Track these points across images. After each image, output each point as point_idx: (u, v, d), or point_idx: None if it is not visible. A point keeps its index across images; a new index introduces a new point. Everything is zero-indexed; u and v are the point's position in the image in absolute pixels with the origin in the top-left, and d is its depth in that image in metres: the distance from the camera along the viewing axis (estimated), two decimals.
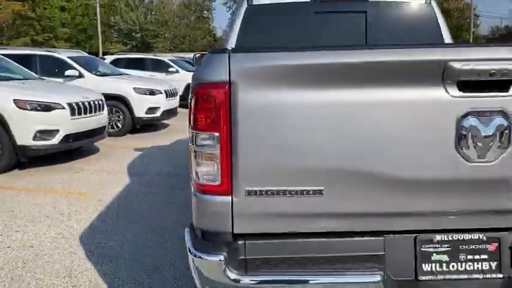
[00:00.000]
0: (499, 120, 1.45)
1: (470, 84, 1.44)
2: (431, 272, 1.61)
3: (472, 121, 1.45)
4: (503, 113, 1.45)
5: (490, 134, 1.45)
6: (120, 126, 8.76)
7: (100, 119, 6.63)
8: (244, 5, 3.29)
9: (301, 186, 1.49)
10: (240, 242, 1.56)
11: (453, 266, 1.62)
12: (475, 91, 1.44)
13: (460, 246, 1.62)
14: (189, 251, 1.56)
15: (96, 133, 6.57)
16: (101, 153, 7.12)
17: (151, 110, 8.88)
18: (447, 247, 1.62)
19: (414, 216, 1.57)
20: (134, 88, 8.81)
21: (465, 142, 1.46)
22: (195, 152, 1.55)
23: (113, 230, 3.77)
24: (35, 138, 5.59)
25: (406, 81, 1.45)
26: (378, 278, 1.48)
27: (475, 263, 1.63)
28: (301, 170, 1.49)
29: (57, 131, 5.73)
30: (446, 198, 1.53)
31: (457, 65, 1.41)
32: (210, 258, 1.49)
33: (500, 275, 1.62)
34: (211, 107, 1.47)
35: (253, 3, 3.30)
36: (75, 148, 6.68)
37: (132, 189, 5.04)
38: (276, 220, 1.54)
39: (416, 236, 1.61)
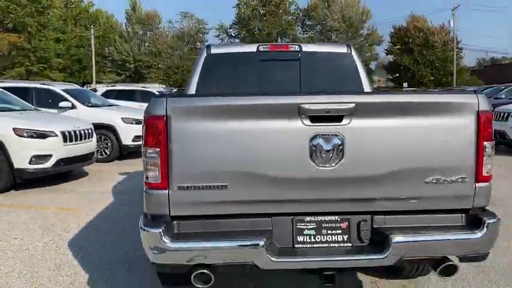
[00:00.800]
0: (335, 140, 2.27)
1: (317, 117, 2.27)
2: (303, 242, 2.40)
3: (318, 140, 2.27)
4: (338, 136, 2.28)
5: (330, 149, 2.27)
6: (108, 152, 9.56)
7: (89, 145, 7.43)
8: (204, 54, 4.16)
9: (213, 183, 2.29)
10: (174, 222, 2.35)
11: (318, 238, 2.41)
12: (320, 121, 2.27)
13: (322, 225, 2.42)
14: (141, 228, 2.35)
15: (85, 158, 7.35)
16: (90, 176, 7.88)
17: (138, 138, 9.42)
18: (314, 225, 2.41)
19: (290, 204, 2.37)
20: (122, 118, 9.65)
21: (315, 154, 2.27)
22: (145, 161, 2.36)
23: (95, 237, 4.52)
24: (30, 162, 6.37)
25: (278, 115, 2.28)
26: (262, 242, 2.26)
27: (333, 236, 2.42)
28: (213, 172, 2.30)
29: (51, 155, 6.52)
30: (308, 191, 2.34)
31: (306, 106, 2.24)
32: (153, 231, 2.27)
33: (350, 244, 2.41)
34: (154, 131, 2.29)
35: (211, 52, 4.17)
36: (67, 172, 7.45)
37: (115, 206, 5.80)
38: (197, 206, 2.34)
39: (293, 218, 2.41)
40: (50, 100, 9.36)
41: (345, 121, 2.28)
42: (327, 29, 63.38)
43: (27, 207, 5.67)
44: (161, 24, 69.34)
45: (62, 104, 9.22)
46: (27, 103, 8.06)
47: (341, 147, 2.29)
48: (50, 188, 6.80)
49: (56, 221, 5.08)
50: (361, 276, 3.46)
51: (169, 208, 2.33)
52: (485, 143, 2.37)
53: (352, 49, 4.23)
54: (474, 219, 2.43)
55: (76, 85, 13.63)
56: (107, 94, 14.53)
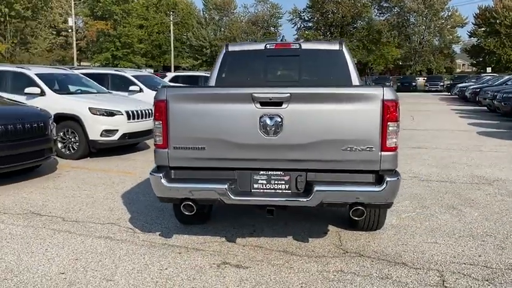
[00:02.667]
0: (277, 119, 3.31)
1: (264, 102, 3.33)
2: (257, 188, 3.49)
3: (265, 118, 3.32)
4: (278, 116, 3.33)
5: (273, 124, 3.32)
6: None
7: (149, 123, 8.91)
8: (223, 51, 5.30)
9: (195, 145, 3.45)
10: (172, 170, 3.55)
11: (268, 186, 3.48)
12: (266, 106, 3.33)
13: (271, 177, 3.48)
14: (150, 173, 3.58)
15: (146, 133, 8.86)
16: (151, 149, 9.42)
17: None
18: (265, 177, 3.48)
19: (248, 161, 3.46)
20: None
21: (263, 128, 3.34)
22: (154, 130, 3.56)
23: (143, 191, 5.89)
24: (101, 135, 7.97)
25: (239, 101, 3.36)
26: (226, 185, 3.37)
27: (278, 185, 3.48)
28: (195, 138, 3.44)
29: (117, 130, 8.09)
30: (260, 153, 3.41)
31: (256, 95, 3.31)
32: (156, 175, 3.49)
33: (289, 191, 3.46)
34: (159, 110, 3.48)
35: (229, 50, 5.29)
36: (132, 144, 9.03)
37: None
38: (186, 160, 3.51)
39: (251, 172, 3.50)
40: (122, 84, 11.06)
41: (284, 105, 3.32)
42: (405, 11, 61.50)
43: (97, 170, 7.23)
44: (236, 9, 71.00)
45: (132, 88, 10.87)
46: (102, 87, 9.75)
47: (280, 123, 3.33)
48: (117, 157, 8.39)
49: (117, 180, 6.55)
50: (329, 227, 4.46)
51: (168, 161, 3.53)
52: (388, 123, 3.29)
53: (344, 46, 5.11)
54: (380, 177, 3.37)
55: (145, 71, 15.49)
56: (176, 79, 16.26)
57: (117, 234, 4.29)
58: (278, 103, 3.33)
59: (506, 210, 5.02)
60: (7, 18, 45.25)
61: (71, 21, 44.24)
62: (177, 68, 59.06)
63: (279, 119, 3.33)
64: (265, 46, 5.18)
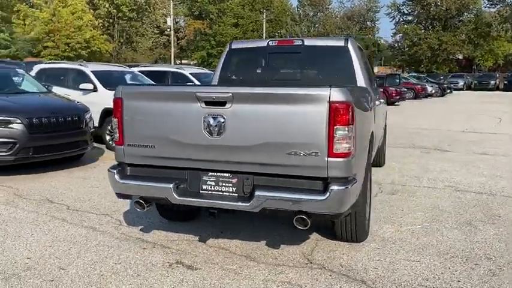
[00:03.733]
0: (220, 119, 3.20)
1: (209, 102, 3.23)
2: (205, 190, 3.41)
3: (209, 118, 3.23)
4: (222, 116, 3.20)
5: (216, 124, 3.21)
6: None
7: None
8: (227, 48, 5.24)
9: (146, 143, 3.46)
10: (127, 167, 3.61)
11: (216, 188, 3.38)
12: (211, 105, 3.22)
13: (220, 179, 3.38)
14: (108, 169, 3.67)
15: None
16: None
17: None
18: (214, 179, 3.39)
19: (197, 162, 3.39)
20: None
21: (207, 128, 3.24)
22: (113, 127, 3.64)
23: None
24: None
25: (186, 100, 3.30)
26: (171, 185, 3.34)
27: (226, 187, 3.37)
28: (146, 136, 3.46)
29: None
30: (206, 153, 3.32)
31: (199, 94, 3.22)
32: (112, 171, 3.57)
33: (236, 194, 3.33)
34: (116, 108, 3.55)
35: (232, 47, 5.22)
36: None
37: None
38: (139, 158, 3.54)
39: (200, 173, 3.43)
40: (179, 81, 11.50)
41: (227, 105, 3.20)
42: None
43: None
44: (331, 5, 69.87)
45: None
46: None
47: (224, 124, 3.22)
48: None
49: None
50: (312, 235, 4.21)
51: (124, 157, 3.60)
52: (336, 126, 3.02)
53: (350, 42, 4.78)
54: (327, 185, 3.10)
55: (205, 69, 15.94)
56: None
57: (103, 225, 4.47)
58: (222, 103, 3.21)
59: None
60: (115, 20, 49.25)
61: (169, 21, 46.86)
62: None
63: (222, 120, 3.22)
64: (268, 43, 5.03)
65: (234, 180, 3.35)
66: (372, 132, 4.57)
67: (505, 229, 4.43)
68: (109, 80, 9.00)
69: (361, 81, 4.67)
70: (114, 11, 48.24)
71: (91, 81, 8.70)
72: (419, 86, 28.06)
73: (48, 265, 3.54)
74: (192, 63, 54.05)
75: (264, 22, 56.73)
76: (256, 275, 3.38)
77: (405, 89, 23.98)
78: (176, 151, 3.40)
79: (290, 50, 5.00)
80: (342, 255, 3.76)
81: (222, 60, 5.21)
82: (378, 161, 7.18)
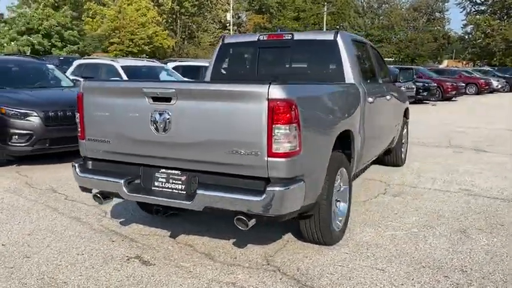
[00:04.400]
0: (165, 115, 3.16)
1: (156, 98, 3.20)
2: (157, 186, 3.40)
3: (156, 114, 3.20)
4: (166, 112, 3.16)
5: (162, 121, 3.18)
6: None
7: None
8: (220, 43, 5.19)
9: (102, 138, 3.51)
10: (89, 161, 3.69)
11: (167, 185, 3.36)
12: (157, 101, 3.20)
13: (170, 176, 3.35)
14: (71, 163, 3.78)
15: None
16: None
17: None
18: (165, 176, 3.37)
19: (149, 158, 3.39)
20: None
21: (154, 124, 3.22)
22: (77, 122, 3.73)
23: None
24: None
25: (136, 95, 3.30)
26: (122, 181, 3.36)
27: (176, 185, 3.33)
28: (102, 131, 3.51)
29: None
30: (154, 150, 3.30)
31: (145, 90, 3.20)
32: (75, 164, 3.67)
33: (184, 192, 3.29)
34: (77, 102, 3.63)
35: (225, 42, 5.16)
36: None
37: None
38: (98, 153, 3.60)
39: (152, 169, 3.42)
40: None
41: (172, 102, 3.17)
42: None
43: None
44: None
45: None
46: (182, 78, 10.37)
47: (169, 120, 3.19)
48: None
49: None
50: (286, 235, 4.08)
51: (85, 152, 3.68)
52: (275, 125, 2.88)
53: (339, 36, 4.55)
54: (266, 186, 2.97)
55: None
56: None
57: (88, 216, 4.62)
58: (167, 99, 3.18)
59: None
60: (178, 15, 50.67)
61: (229, 16, 47.43)
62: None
63: (167, 116, 3.19)
64: (258, 38, 4.92)
65: (183, 178, 3.32)
66: (361, 131, 4.35)
67: (499, 239, 4.03)
68: (137, 75, 9.27)
69: (349, 76, 4.44)
70: (177, 7, 49.59)
71: (120, 76, 9.00)
72: (482, 81, 26.23)
73: (16, 253, 3.71)
74: None
75: (325, 15, 55.77)
76: (205, 274, 3.33)
77: (462, 84, 22.47)
78: (128, 147, 3.43)
79: (280, 44, 4.85)
80: (304, 259, 3.61)
81: (215, 55, 5.17)
82: (395, 160, 6.82)
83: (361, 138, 4.48)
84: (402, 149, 6.99)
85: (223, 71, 5.12)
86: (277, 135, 2.89)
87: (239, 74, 5.03)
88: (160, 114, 3.21)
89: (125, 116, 3.39)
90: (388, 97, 5.56)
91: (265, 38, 4.89)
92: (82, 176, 3.62)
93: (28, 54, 30.00)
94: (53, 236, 4.06)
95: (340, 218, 4.00)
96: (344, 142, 4.10)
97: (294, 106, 2.91)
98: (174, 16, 50.94)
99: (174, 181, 3.35)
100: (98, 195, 3.56)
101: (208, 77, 5.14)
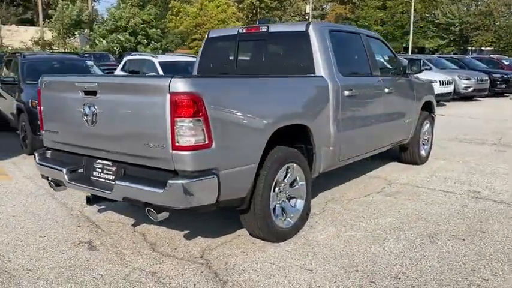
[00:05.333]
0: (93, 108, 3.31)
1: (87, 91, 3.36)
2: (95, 176, 3.58)
3: (86, 107, 3.37)
4: (93, 105, 3.31)
5: (90, 114, 3.34)
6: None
7: None
8: (206, 37, 5.24)
9: (52, 129, 3.77)
10: (48, 151, 3.97)
11: (102, 175, 3.52)
12: (88, 94, 3.36)
13: (104, 166, 3.51)
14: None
15: None
16: None
17: None
18: (101, 166, 3.53)
19: (87, 149, 3.57)
20: None
21: (85, 117, 3.39)
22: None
23: None
24: None
25: (75, 89, 3.49)
26: (64, 170, 3.58)
27: (108, 175, 3.48)
28: (55, 123, 3.76)
29: None
30: (89, 141, 3.48)
31: (76, 84, 3.38)
32: (35, 154, 3.98)
33: (113, 182, 3.42)
34: (38, 95, 3.92)
35: (209, 36, 5.20)
36: None
37: None
38: (51, 143, 3.87)
39: (92, 159, 3.60)
40: None
41: (97, 95, 3.32)
42: None
43: None
44: None
45: None
46: None
47: (95, 113, 3.34)
48: None
49: None
50: (240, 228, 4.07)
51: (45, 142, 3.97)
52: (176, 119, 2.90)
53: (312, 27, 4.38)
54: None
55: None
56: None
57: (75, 202, 4.91)
58: (93, 92, 3.34)
59: (499, 253, 3.50)
60: (257, 10, 51.27)
61: (308, 8, 47.00)
62: (421, 50, 56.03)
63: (94, 109, 3.34)
64: (238, 31, 4.91)
65: (113, 169, 3.46)
66: (333, 126, 4.20)
67: (467, 248, 3.66)
68: (172, 70, 9.65)
69: (319, 69, 4.28)
70: (257, 2, 50.18)
71: (157, 71, 9.43)
72: None
73: None
74: None
75: (413, 2, 52.90)
76: (135, 262, 3.45)
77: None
78: (71, 138, 3.66)
79: (256, 37, 4.79)
80: (240, 254, 3.59)
81: (201, 49, 5.25)
82: (411, 158, 6.40)
83: (333, 133, 4.29)
84: (422, 147, 6.53)
85: (208, 65, 5.17)
86: (180, 128, 2.90)
87: (221, 67, 5.06)
88: (89, 107, 3.38)
89: (66, 109, 3.61)
90: (386, 90, 5.23)
91: (244, 31, 4.87)
92: (39, 164, 3.93)
93: (117, 51, 32.42)
94: (32, 219, 4.43)
95: (292, 215, 3.89)
96: (301, 137, 3.98)
97: (197, 99, 2.90)
98: (254, 11, 51.60)
99: (107, 172, 3.51)
100: (51, 182, 3.83)
101: (195, 71, 5.23)
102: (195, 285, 3.11)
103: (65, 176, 3.61)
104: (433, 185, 5.51)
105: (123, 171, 3.38)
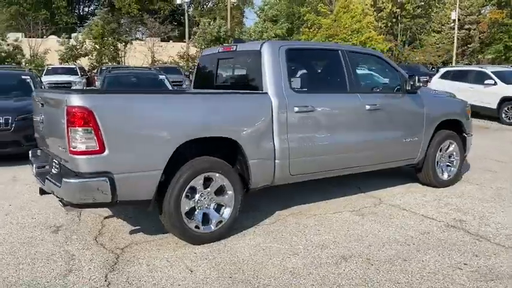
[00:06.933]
0: (42, 116, 4.13)
1: (41, 103, 4.18)
2: (48, 170, 4.35)
3: (41, 116, 4.19)
4: (42, 114, 4.11)
5: (41, 121, 4.15)
6: None
7: None
8: (200, 55, 5.76)
9: (36, 135, 4.69)
10: (39, 150, 4.93)
11: (54, 171, 4.29)
12: (42, 106, 4.17)
13: (55, 164, 4.27)
14: None
15: None
16: None
17: None
18: (54, 163, 4.30)
19: (47, 150, 4.40)
20: None
21: (41, 124, 4.21)
22: None
23: None
24: None
25: (38, 102, 4.34)
26: (34, 165, 4.45)
27: (55, 170, 4.24)
28: (36, 130, 4.69)
29: None
30: (46, 144, 4.28)
31: (38, 98, 4.22)
32: (30, 151, 4.96)
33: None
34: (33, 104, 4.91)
35: (202, 54, 5.71)
36: None
37: None
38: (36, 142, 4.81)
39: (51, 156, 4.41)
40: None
41: (44, 106, 4.12)
42: None
43: None
44: None
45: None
46: None
47: (42, 120, 4.17)
48: None
49: None
50: None
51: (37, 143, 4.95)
52: (70, 128, 3.53)
53: (266, 47, 4.59)
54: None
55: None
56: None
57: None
58: (42, 104, 4.17)
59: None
60: (398, 19, 49.35)
61: (454, 15, 43.66)
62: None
63: (42, 117, 4.19)
64: (218, 50, 5.35)
65: (58, 167, 4.20)
66: (277, 141, 4.43)
67: (366, 272, 3.53)
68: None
69: (267, 86, 4.49)
70: (398, 10, 48.35)
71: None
72: None
73: None
74: (488, 58, 48.50)
75: None
76: (70, 246, 4.13)
77: None
78: (39, 140, 4.53)
79: (228, 56, 5.18)
80: (153, 249, 4.02)
81: (196, 65, 5.81)
82: (427, 180, 6.00)
83: (279, 147, 4.45)
84: (441, 169, 6.03)
85: (199, 79, 5.72)
86: (74, 136, 3.51)
87: (207, 81, 5.53)
88: (41, 116, 4.21)
89: (37, 116, 4.49)
90: (367, 107, 5.08)
91: (221, 50, 5.30)
92: (30, 160, 4.90)
93: None
94: (24, 210, 5.39)
95: (215, 221, 4.17)
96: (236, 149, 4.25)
97: (88, 112, 3.47)
98: (394, 20, 49.75)
99: (56, 169, 4.28)
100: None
101: (192, 87, 5.81)
102: (91, 260, 3.71)
103: (33, 171, 4.50)
104: (423, 209, 5.14)
105: (59, 169, 4.11)
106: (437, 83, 14.77)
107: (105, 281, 3.45)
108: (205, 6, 62.17)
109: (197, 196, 4.10)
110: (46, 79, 19.57)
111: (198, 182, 4.06)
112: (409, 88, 5.44)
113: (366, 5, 46.15)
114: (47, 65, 28.16)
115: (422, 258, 3.79)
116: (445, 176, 6.11)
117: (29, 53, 32.06)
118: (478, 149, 8.06)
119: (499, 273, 3.51)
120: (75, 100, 3.50)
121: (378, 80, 5.59)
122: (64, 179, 3.60)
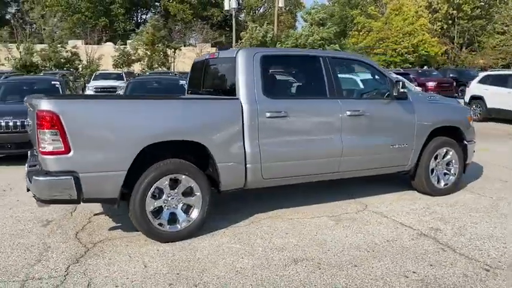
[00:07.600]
0: (30, 119, 4.51)
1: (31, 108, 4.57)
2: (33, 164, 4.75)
3: (29, 119, 4.58)
4: (30, 117, 4.50)
5: (30, 122, 4.54)
6: None
7: None
8: (193, 62, 6.00)
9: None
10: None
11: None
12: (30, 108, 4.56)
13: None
14: None
15: None
16: None
17: None
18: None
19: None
20: None
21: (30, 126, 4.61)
22: None
23: None
24: None
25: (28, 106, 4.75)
26: (27, 164, 4.86)
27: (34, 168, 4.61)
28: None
29: None
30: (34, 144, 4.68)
31: (27, 103, 4.62)
32: (28, 152, 5.40)
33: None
34: None
35: (194, 61, 5.94)
36: None
37: None
38: None
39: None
40: None
41: (31, 109, 4.50)
42: None
43: None
44: None
45: None
46: None
47: (29, 123, 4.54)
48: None
49: None
50: None
51: None
52: (39, 130, 3.87)
53: (240, 54, 4.73)
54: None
55: None
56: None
57: None
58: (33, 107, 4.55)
59: None
60: (455, 20, 47.37)
61: None
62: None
63: (30, 120, 4.55)
64: (206, 57, 5.57)
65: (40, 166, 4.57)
66: (249, 146, 4.58)
67: (311, 275, 3.58)
68: None
69: (240, 91, 4.63)
70: (454, 11, 46.43)
71: None
72: None
73: None
74: None
75: None
76: (52, 237, 4.50)
77: None
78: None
79: (213, 62, 5.37)
80: (122, 245, 4.29)
81: (190, 71, 6.07)
82: (420, 187, 5.89)
83: (250, 152, 4.58)
84: (436, 177, 5.87)
85: (191, 84, 5.97)
86: (42, 137, 3.85)
87: (195, 87, 5.76)
88: (29, 119, 4.60)
89: (30, 118, 4.89)
90: (348, 113, 5.08)
91: (208, 57, 5.51)
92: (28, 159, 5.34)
93: None
94: (27, 205, 5.88)
95: (182, 221, 4.37)
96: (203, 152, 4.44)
97: (54, 116, 3.79)
98: (451, 21, 47.79)
99: (34, 164, 4.64)
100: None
101: (186, 89, 6.08)
102: (63, 252, 4.03)
103: (26, 169, 4.91)
104: (404, 217, 5.06)
105: (40, 168, 4.48)
106: (475, 88, 14.16)
107: (65, 271, 3.74)
108: (257, 12, 62.93)
109: (164, 196, 4.32)
110: (93, 84, 20.81)
111: (163, 183, 4.28)
112: (396, 94, 5.37)
113: (420, 6, 44.80)
114: (98, 70, 29.74)
115: (373, 265, 3.78)
116: (442, 184, 5.94)
117: (86, 59, 34.00)
118: (504, 158, 7.69)
119: (443, 283, 3.44)
120: (44, 105, 3.84)
121: (364, 87, 5.55)
122: (34, 177, 3.94)
